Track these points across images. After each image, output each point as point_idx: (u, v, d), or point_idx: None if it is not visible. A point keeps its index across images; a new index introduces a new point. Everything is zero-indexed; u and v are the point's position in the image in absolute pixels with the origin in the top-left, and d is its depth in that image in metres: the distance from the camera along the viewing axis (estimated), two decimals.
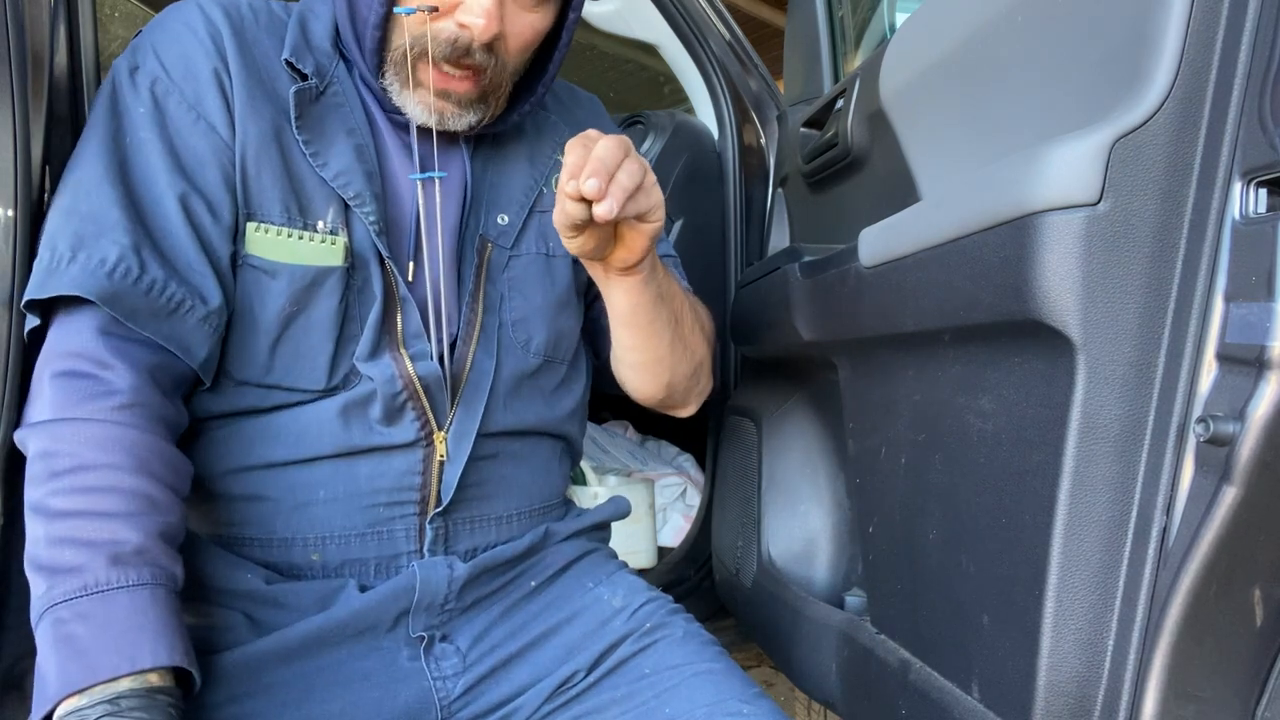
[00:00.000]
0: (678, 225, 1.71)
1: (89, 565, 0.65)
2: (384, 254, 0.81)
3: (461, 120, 0.83)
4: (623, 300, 0.85)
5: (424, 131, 0.84)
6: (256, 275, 0.79)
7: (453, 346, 0.85)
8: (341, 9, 0.83)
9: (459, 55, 0.79)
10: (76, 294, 0.70)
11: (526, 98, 0.90)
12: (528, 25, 0.82)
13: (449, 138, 0.88)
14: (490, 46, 0.79)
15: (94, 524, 0.66)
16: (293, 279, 0.79)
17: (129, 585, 0.65)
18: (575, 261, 0.95)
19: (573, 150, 0.69)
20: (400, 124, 0.86)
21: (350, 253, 0.81)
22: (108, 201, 0.73)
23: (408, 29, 0.79)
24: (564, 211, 0.71)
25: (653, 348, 0.90)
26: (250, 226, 0.79)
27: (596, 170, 0.67)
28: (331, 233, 0.80)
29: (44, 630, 0.64)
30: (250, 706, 0.72)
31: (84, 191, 0.74)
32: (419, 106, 0.81)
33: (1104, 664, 0.66)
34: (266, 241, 0.79)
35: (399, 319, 0.82)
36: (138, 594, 0.65)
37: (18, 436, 0.72)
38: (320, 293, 0.79)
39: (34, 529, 0.67)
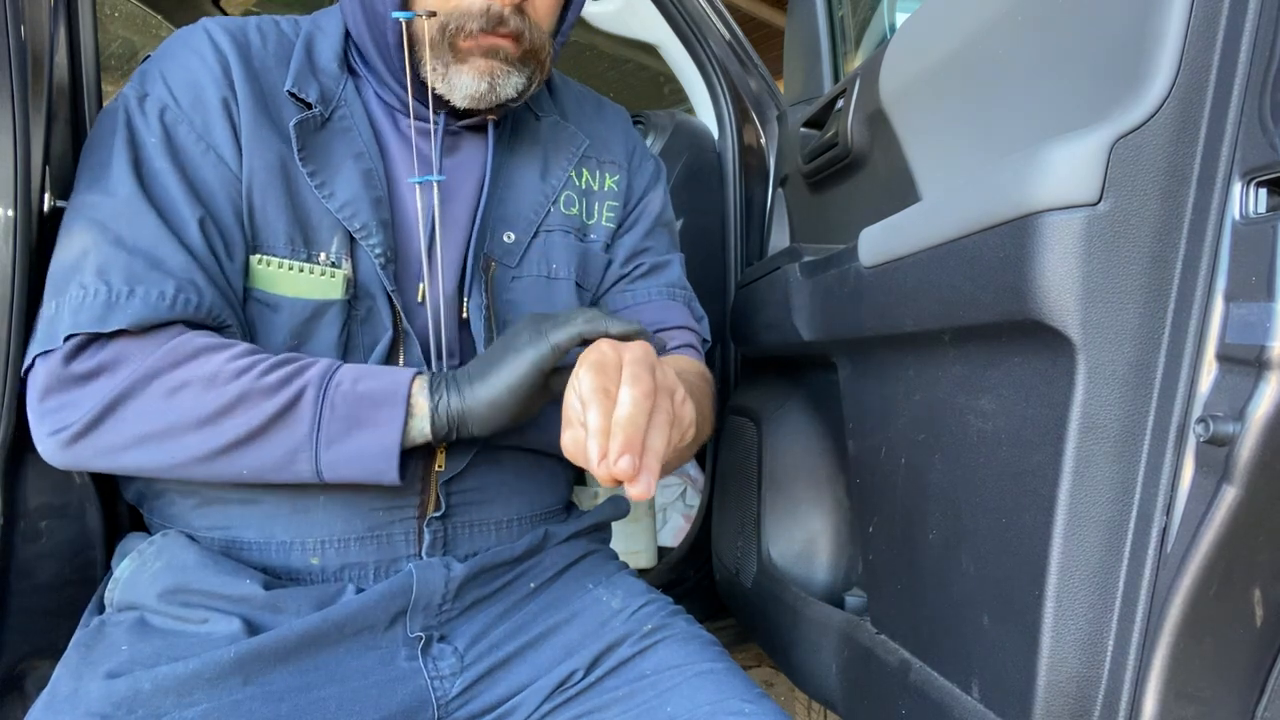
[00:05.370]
0: (678, 226, 1.71)
1: (306, 373, 0.73)
2: (389, 289, 0.82)
3: (511, 82, 0.83)
4: None
5: (426, 134, 0.84)
6: (260, 309, 0.79)
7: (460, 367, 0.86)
8: (353, 14, 0.83)
9: (494, 25, 0.79)
10: (141, 324, 0.71)
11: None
12: None
13: (471, 139, 0.88)
14: (521, 9, 0.81)
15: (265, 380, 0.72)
16: (293, 312, 0.79)
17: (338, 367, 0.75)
18: (578, 284, 0.95)
19: (592, 400, 0.57)
20: (422, 130, 0.86)
21: (353, 284, 0.81)
22: (154, 232, 0.73)
23: (440, 10, 0.79)
24: (593, 470, 0.57)
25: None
26: (254, 259, 0.79)
27: (629, 443, 0.54)
28: (333, 264, 0.80)
29: (331, 398, 0.72)
30: (246, 703, 0.72)
31: (125, 221, 0.73)
32: (470, 75, 0.81)
33: (1104, 664, 0.66)
34: (269, 274, 0.79)
35: (400, 349, 0.83)
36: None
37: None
38: (320, 325, 0.80)
39: (232, 419, 0.71)
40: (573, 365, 0.78)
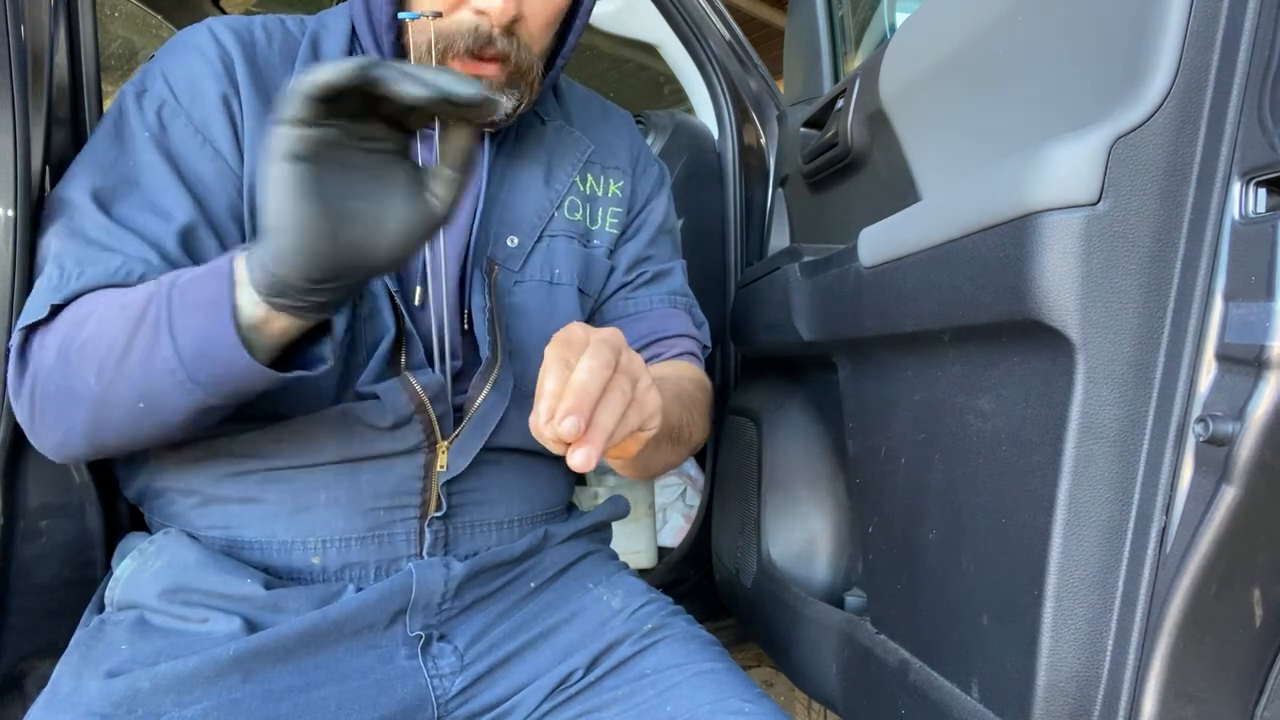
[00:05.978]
0: (678, 226, 1.72)
1: (157, 284, 0.67)
2: (391, 289, 0.81)
3: (497, 105, 0.82)
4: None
5: (425, 137, 0.84)
6: None
7: (461, 371, 0.85)
8: (359, 13, 0.84)
9: (481, 45, 0.79)
10: (84, 290, 0.70)
11: (548, 74, 0.89)
12: (545, 3, 0.82)
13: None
14: (511, 31, 0.80)
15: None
16: None
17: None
18: (580, 290, 0.95)
19: (551, 367, 0.57)
20: (423, 134, 0.85)
21: None
22: (102, 224, 0.73)
23: (428, 26, 0.79)
24: (541, 438, 0.58)
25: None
26: None
27: (576, 405, 0.55)
28: None
29: (169, 289, 0.65)
30: (246, 702, 0.72)
31: (89, 216, 0.73)
32: None
33: (1104, 664, 0.66)
34: None
35: (403, 349, 0.83)
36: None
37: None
38: None
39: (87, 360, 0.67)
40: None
